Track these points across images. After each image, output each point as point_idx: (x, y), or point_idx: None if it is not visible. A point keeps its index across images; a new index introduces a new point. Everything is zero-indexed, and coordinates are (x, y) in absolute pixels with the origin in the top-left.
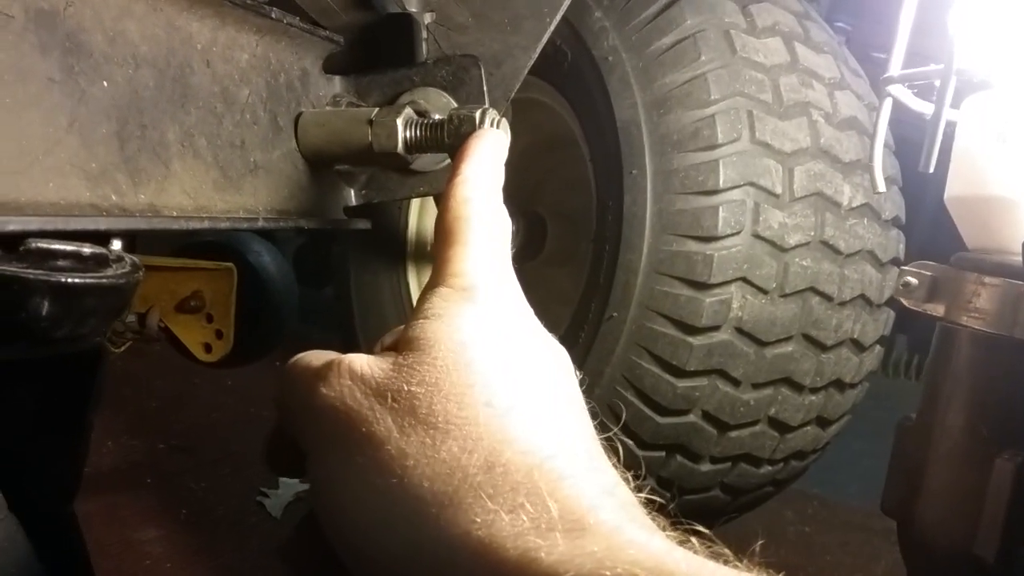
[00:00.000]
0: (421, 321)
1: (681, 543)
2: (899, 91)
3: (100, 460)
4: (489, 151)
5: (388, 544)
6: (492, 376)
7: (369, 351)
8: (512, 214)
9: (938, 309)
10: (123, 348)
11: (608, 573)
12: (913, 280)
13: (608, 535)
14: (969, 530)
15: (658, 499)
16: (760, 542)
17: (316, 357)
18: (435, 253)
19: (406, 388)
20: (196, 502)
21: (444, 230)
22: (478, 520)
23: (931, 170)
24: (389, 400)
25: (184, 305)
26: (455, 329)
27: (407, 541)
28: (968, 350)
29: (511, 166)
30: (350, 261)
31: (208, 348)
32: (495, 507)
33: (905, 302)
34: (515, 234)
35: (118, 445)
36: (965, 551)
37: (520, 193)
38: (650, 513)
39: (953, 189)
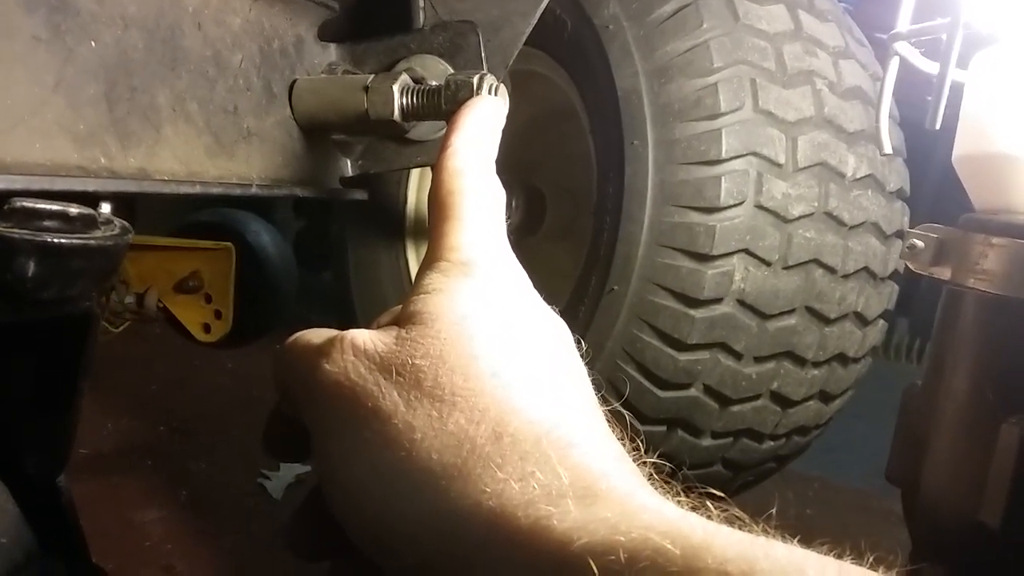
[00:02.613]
0: (422, 296)
1: (694, 508)
2: (906, 49)
3: (100, 442)
4: (481, 120)
5: (398, 519)
6: (495, 348)
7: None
8: (511, 189)
9: (944, 272)
10: (121, 328)
11: (622, 538)
12: (919, 243)
13: (621, 501)
14: (974, 496)
15: (668, 464)
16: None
17: (316, 335)
18: (430, 227)
19: (411, 361)
20: (197, 484)
21: (437, 204)
22: (488, 490)
23: (938, 126)
24: (394, 374)
25: (183, 285)
26: (456, 303)
27: (417, 514)
28: (975, 313)
29: (509, 141)
30: (348, 237)
31: (207, 328)
32: (505, 476)
33: (911, 265)
34: (515, 209)
35: (118, 427)
36: (970, 517)
37: (519, 168)
38: (661, 479)
39: (961, 148)
